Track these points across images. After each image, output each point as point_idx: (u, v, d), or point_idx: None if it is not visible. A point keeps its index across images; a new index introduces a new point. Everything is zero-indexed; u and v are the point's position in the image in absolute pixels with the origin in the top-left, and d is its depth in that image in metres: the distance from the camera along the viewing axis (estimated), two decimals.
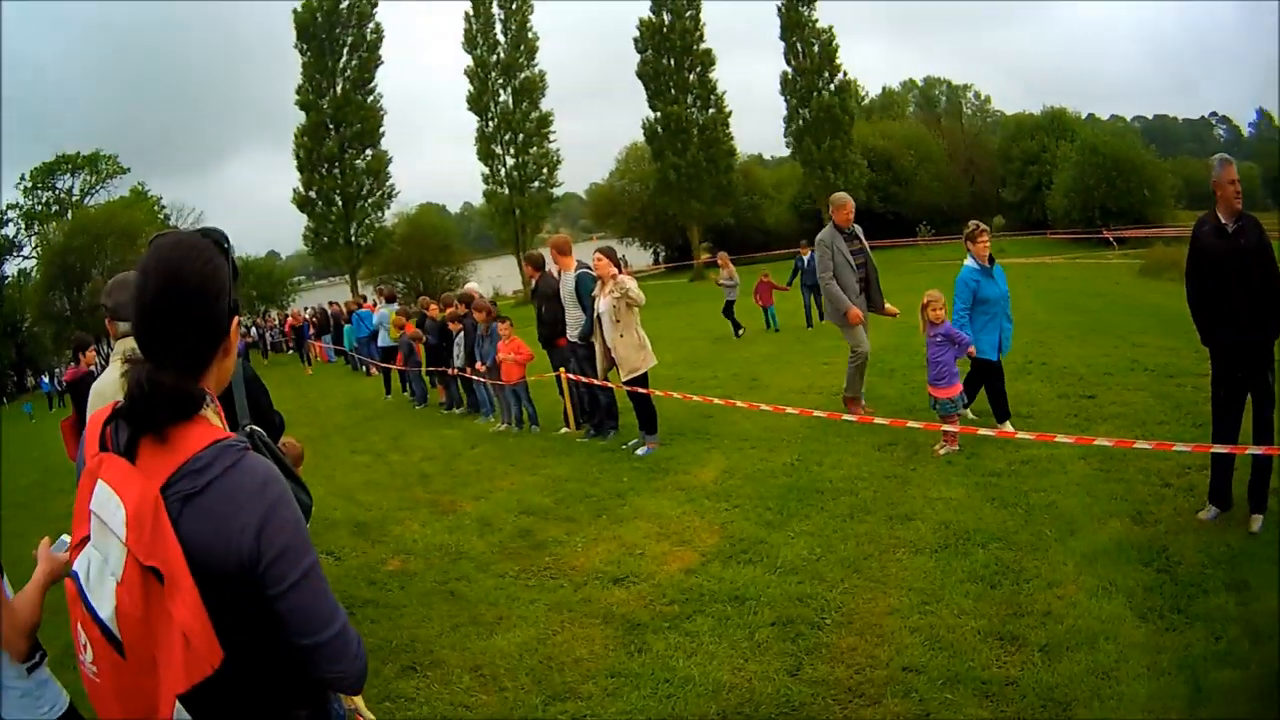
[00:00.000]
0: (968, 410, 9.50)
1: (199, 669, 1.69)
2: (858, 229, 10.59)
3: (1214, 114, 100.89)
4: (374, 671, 5.49)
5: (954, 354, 8.77)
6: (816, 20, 53.46)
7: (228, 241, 2.05)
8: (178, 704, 1.69)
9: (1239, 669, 4.45)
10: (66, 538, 2.99)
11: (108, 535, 1.75)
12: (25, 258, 64.83)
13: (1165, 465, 7.41)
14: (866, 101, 62.23)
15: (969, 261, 9.15)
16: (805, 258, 20.31)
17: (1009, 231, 50.95)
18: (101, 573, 1.75)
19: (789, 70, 53.90)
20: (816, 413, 9.16)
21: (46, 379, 45.39)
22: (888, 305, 10.54)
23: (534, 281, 12.67)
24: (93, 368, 9.27)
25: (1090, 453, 7.72)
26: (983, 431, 7.77)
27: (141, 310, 1.89)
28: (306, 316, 34.17)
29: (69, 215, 61.94)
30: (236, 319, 2.05)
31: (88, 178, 66.12)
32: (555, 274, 11.76)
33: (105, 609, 1.72)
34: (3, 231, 63.91)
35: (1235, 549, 5.76)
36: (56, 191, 65.57)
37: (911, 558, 6.29)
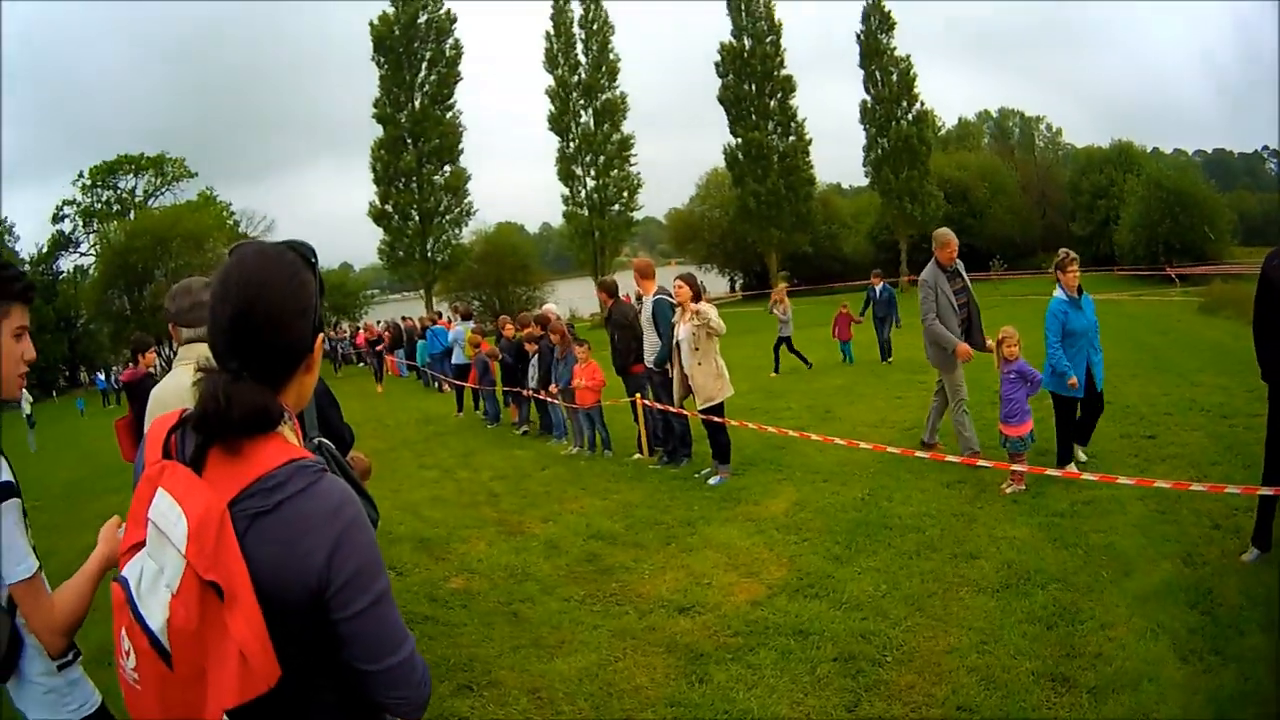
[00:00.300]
0: (1080, 450, 9.35)
1: (254, 686, 1.64)
2: (960, 265, 10.32)
3: (1265, 148, 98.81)
4: None
5: (1026, 391, 8.67)
6: (895, 48, 53.68)
7: (315, 256, 2.00)
8: (225, 718, 1.64)
9: (1263, 708, 4.54)
10: None
11: (165, 545, 1.69)
12: (82, 254, 66.18)
13: (1216, 507, 7.35)
14: (943, 132, 62.00)
15: (1058, 292, 8.93)
16: (877, 288, 20.15)
17: (1079, 266, 49.66)
18: (155, 583, 1.69)
19: (868, 99, 54.01)
20: (890, 448, 9.00)
21: (102, 376, 45.78)
22: (987, 341, 10.31)
23: (607, 308, 12.57)
24: (152, 370, 9.33)
25: (1148, 494, 7.63)
26: (1049, 472, 7.64)
27: (219, 322, 1.83)
28: (379, 330, 34.31)
29: (131, 215, 62.96)
30: (321, 335, 1.99)
31: (152, 179, 67.50)
32: (634, 298, 11.69)
33: (156, 620, 1.66)
34: (58, 228, 65.13)
35: (1272, 590, 5.71)
36: (118, 191, 66.90)
37: (974, 596, 6.26)
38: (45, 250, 64.73)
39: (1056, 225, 60.66)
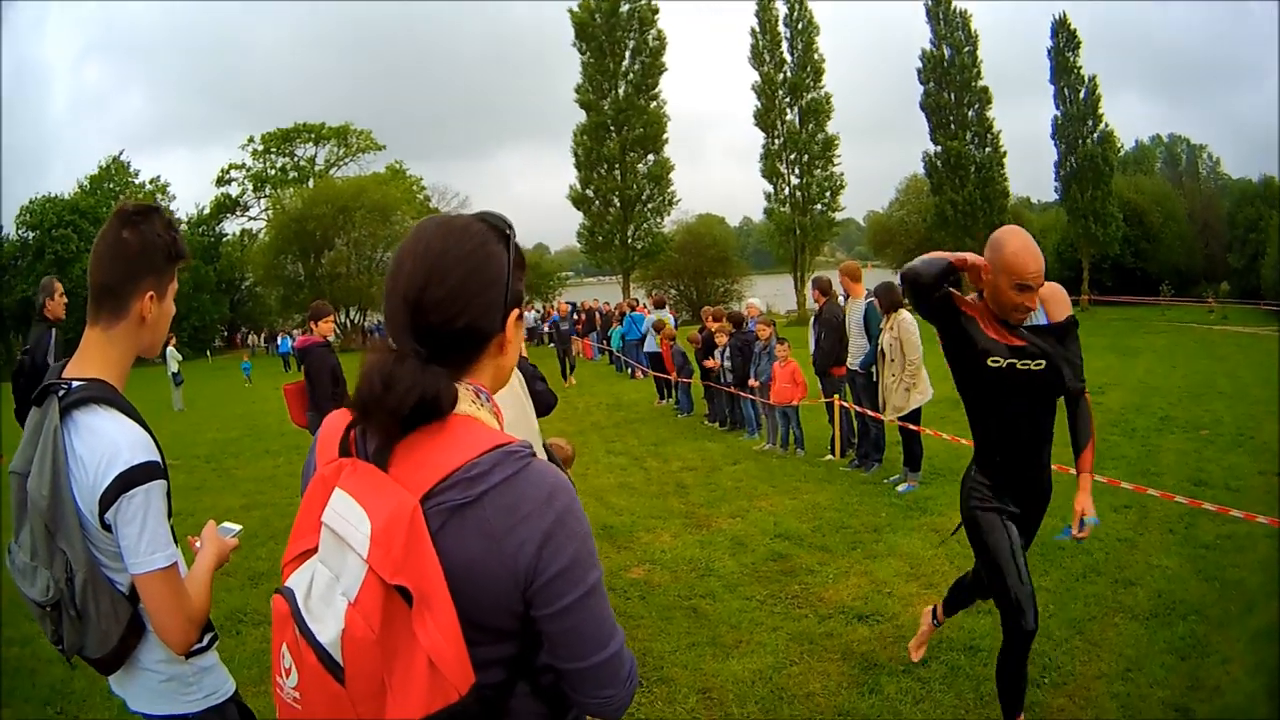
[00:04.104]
0: None
1: (442, 695, 1.53)
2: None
3: None
4: None
5: None
6: (1081, 67, 52.25)
7: (510, 228, 1.81)
8: None
9: None
10: (231, 525, 2.89)
11: (344, 551, 1.57)
12: (252, 219, 68.62)
13: None
14: (1122, 154, 60.29)
15: None
16: None
17: (1232, 299, 48.99)
18: (329, 592, 1.56)
19: (1059, 114, 52.81)
20: (1069, 469, 8.78)
21: (286, 339, 46.10)
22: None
23: (819, 306, 12.36)
24: (328, 338, 9.48)
25: (1273, 533, 7.33)
26: (1205, 505, 7.40)
27: (393, 297, 1.70)
28: (568, 311, 33.60)
29: (310, 184, 64.41)
30: (517, 312, 1.80)
31: (335, 149, 69.10)
32: (841, 300, 11.62)
33: (328, 632, 1.52)
34: (224, 190, 67.36)
35: None
36: (295, 159, 68.68)
37: (1127, 623, 6.25)
38: (207, 212, 67.21)
39: (1215, 256, 59.76)
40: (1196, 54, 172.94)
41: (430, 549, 1.56)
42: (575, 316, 30.60)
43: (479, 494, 1.61)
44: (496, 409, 1.82)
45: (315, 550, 1.64)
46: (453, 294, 1.68)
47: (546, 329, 39.46)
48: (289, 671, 1.58)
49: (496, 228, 1.79)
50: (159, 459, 2.44)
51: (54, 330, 7.71)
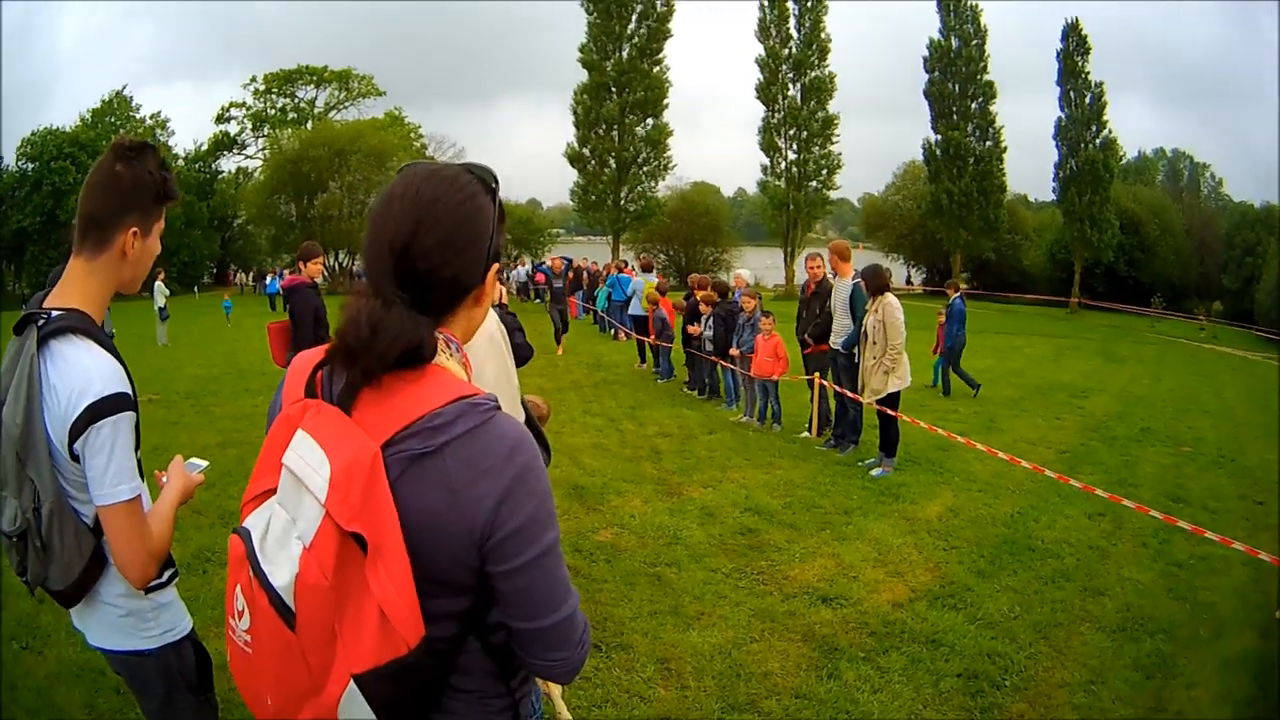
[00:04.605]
0: None
1: (392, 647, 1.50)
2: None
3: None
4: None
5: None
6: (1089, 72, 53.15)
7: (496, 181, 1.80)
8: (351, 683, 1.51)
9: None
10: (199, 460, 2.90)
11: (301, 494, 1.53)
12: (248, 157, 68.33)
13: None
14: (1123, 162, 61.13)
15: None
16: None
17: (1224, 319, 50.07)
18: (284, 535, 1.54)
19: (1063, 116, 53.68)
20: (1047, 471, 8.79)
21: (273, 280, 45.39)
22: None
23: (814, 283, 12.25)
24: (316, 280, 9.40)
25: (1249, 560, 7.35)
26: (1180, 523, 7.36)
27: (378, 243, 1.66)
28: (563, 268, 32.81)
29: (308, 125, 64.09)
30: (496, 267, 1.80)
31: (335, 92, 68.98)
32: (830, 278, 11.57)
33: (281, 576, 1.50)
34: (223, 128, 67.10)
35: None
36: (296, 100, 68.48)
37: (1093, 633, 6.25)
38: (205, 148, 66.80)
39: (1210, 274, 61.27)
40: (1208, 72, 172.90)
41: (388, 497, 1.53)
42: (568, 274, 29.31)
43: (440, 444, 1.59)
44: (466, 359, 1.80)
45: (275, 491, 1.61)
46: (441, 243, 1.65)
47: (539, 286, 38.12)
48: (241, 614, 1.57)
49: (484, 180, 1.78)
50: (129, 390, 2.44)
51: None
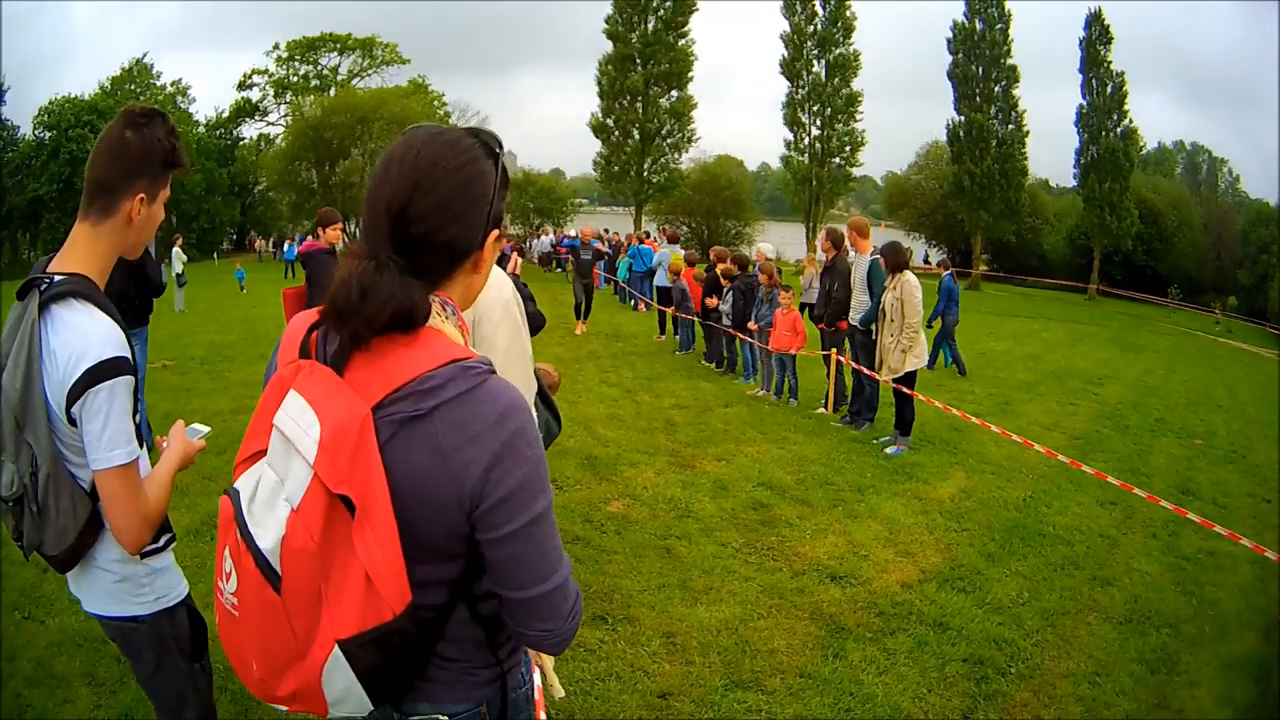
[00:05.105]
0: None
1: (377, 613, 1.51)
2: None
3: None
4: None
5: None
6: (1111, 61, 53.21)
7: (500, 146, 1.77)
8: (336, 649, 1.51)
9: None
10: (200, 426, 2.89)
11: (291, 455, 1.53)
12: (270, 124, 67.97)
13: None
14: (1143, 153, 60.91)
15: None
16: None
17: (1238, 315, 50.18)
18: (272, 497, 1.53)
19: (1084, 104, 53.78)
20: (1060, 456, 8.75)
21: (290, 246, 45.21)
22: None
23: (829, 258, 12.08)
24: (334, 245, 9.39)
25: (1256, 559, 7.34)
26: (1191, 515, 7.33)
27: (375, 204, 1.65)
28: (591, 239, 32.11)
29: (331, 92, 63.84)
30: (495, 233, 1.76)
31: (359, 60, 68.38)
32: (849, 255, 11.50)
33: (268, 538, 1.50)
34: (244, 94, 66.75)
35: None
36: (319, 67, 67.93)
37: (1100, 624, 6.22)
38: (226, 115, 66.48)
39: (1225, 269, 61.58)
40: (1230, 69, 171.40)
41: (377, 460, 1.53)
42: (598, 245, 27.05)
43: (430, 408, 1.57)
44: (463, 323, 1.77)
45: (266, 452, 1.61)
46: (439, 206, 1.63)
47: (563, 256, 37.51)
48: (229, 576, 1.57)
49: (487, 144, 1.75)
50: (128, 354, 2.42)
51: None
